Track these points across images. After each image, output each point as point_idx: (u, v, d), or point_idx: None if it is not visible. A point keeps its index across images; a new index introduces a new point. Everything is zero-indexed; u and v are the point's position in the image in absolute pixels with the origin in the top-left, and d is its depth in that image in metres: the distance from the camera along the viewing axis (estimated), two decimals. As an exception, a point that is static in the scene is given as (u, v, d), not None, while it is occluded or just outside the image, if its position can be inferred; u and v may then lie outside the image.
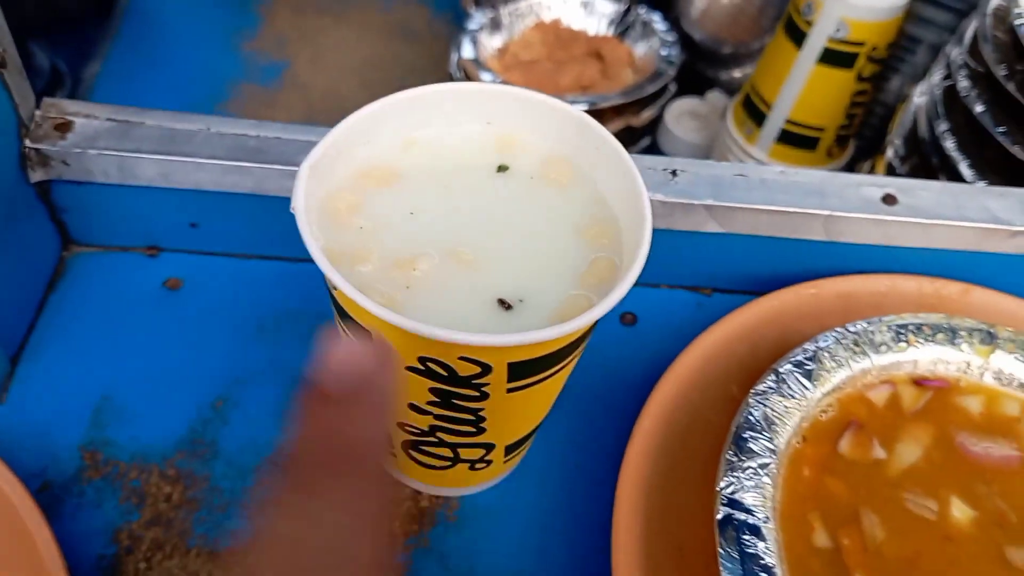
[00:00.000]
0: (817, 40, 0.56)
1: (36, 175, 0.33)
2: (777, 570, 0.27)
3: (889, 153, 0.54)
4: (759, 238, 0.36)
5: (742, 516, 0.28)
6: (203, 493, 0.31)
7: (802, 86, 0.58)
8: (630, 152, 0.27)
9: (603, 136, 0.27)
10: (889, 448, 0.31)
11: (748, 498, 0.28)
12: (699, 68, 0.80)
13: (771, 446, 0.30)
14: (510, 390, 0.25)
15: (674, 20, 0.82)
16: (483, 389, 0.24)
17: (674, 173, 0.35)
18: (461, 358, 0.23)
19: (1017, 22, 0.43)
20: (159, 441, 0.32)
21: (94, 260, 0.37)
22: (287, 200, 0.33)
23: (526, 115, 0.28)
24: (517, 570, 0.31)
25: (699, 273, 0.38)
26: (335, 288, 0.23)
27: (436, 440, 0.28)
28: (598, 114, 0.75)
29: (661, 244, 0.36)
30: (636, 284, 0.38)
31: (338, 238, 0.25)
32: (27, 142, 0.32)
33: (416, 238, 0.25)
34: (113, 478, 0.31)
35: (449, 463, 0.29)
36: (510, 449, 0.30)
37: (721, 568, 0.27)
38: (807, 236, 0.36)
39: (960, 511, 0.30)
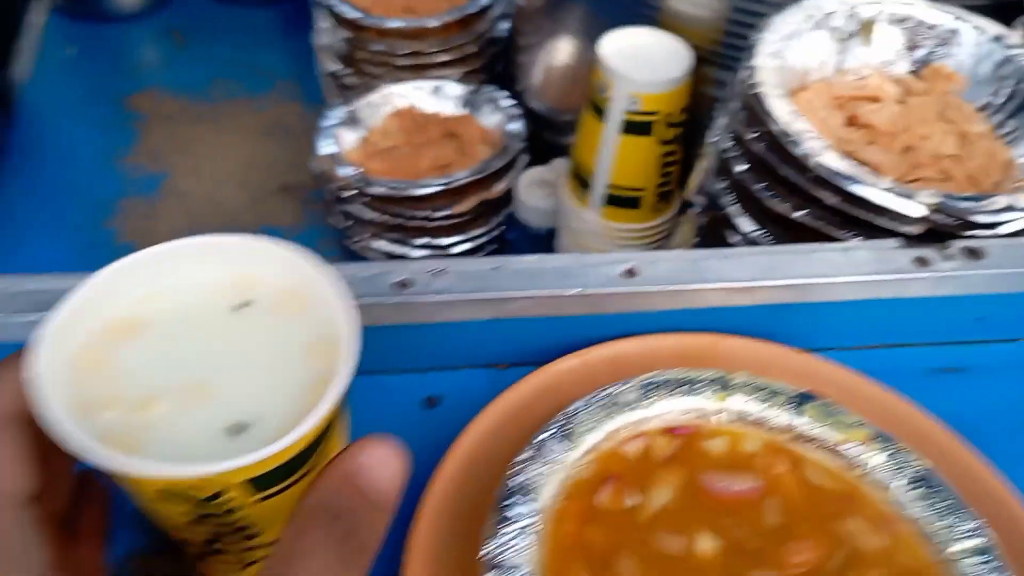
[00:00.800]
0: (615, 114, 0.62)
1: None
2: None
3: (695, 208, 0.60)
4: (531, 319, 0.41)
5: (506, 576, 0.32)
6: None
7: (613, 154, 0.64)
8: (488, 224, 0.31)
9: (322, 272, 0.31)
10: (644, 494, 0.36)
11: (511, 557, 0.32)
12: (545, 136, 0.86)
13: (534, 508, 0.34)
14: (263, 499, 0.28)
15: (519, 94, 0.88)
16: (230, 506, 0.28)
17: (437, 273, 0.40)
18: (191, 487, 0.27)
19: (752, 90, 0.49)
20: None
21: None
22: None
23: (262, 259, 0.32)
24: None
25: (489, 353, 0.43)
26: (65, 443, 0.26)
27: (219, 549, 0.31)
28: (457, 191, 0.80)
29: (447, 333, 0.41)
30: (438, 368, 0.43)
31: (87, 390, 0.28)
32: None
33: (157, 381, 0.29)
34: None
35: (245, 566, 0.33)
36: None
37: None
38: (573, 312, 0.41)
39: (706, 544, 0.34)
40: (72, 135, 0.99)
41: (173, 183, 0.97)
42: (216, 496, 0.27)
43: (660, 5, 0.63)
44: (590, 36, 0.76)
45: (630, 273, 0.40)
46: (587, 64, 0.76)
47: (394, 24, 0.85)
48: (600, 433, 0.37)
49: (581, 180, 0.68)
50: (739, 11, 0.61)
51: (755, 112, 0.49)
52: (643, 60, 0.60)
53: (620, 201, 0.66)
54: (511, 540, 0.33)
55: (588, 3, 0.74)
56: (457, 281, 0.39)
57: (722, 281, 0.40)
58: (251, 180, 0.98)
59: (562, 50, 0.80)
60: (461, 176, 0.79)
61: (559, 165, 0.80)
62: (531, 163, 0.84)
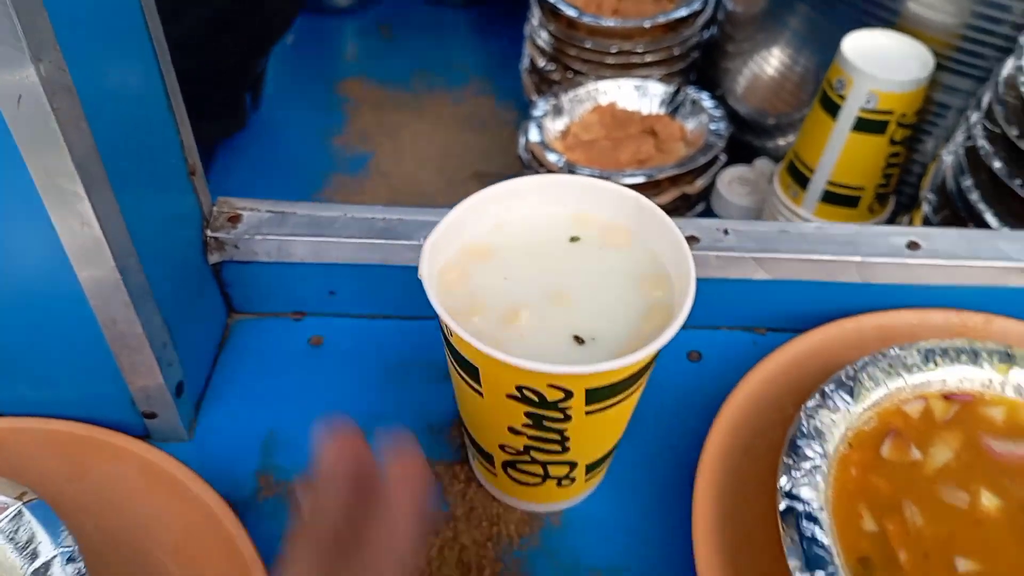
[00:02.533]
0: (850, 111, 0.63)
1: (213, 257, 0.42)
2: (832, 548, 0.33)
3: (924, 207, 0.60)
4: (802, 283, 0.43)
5: (800, 507, 0.34)
6: (354, 506, 0.38)
7: (840, 152, 0.65)
8: (686, 217, 0.34)
9: (653, 211, 0.34)
10: (924, 451, 0.37)
11: (804, 492, 0.34)
12: (746, 138, 0.88)
13: (821, 451, 0.36)
14: (588, 412, 0.32)
15: (720, 97, 0.90)
16: (567, 412, 0.31)
17: (726, 232, 0.42)
18: (550, 385, 0.30)
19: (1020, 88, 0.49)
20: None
21: (252, 325, 0.45)
22: (408, 269, 0.41)
23: (593, 198, 0.35)
24: (613, 562, 0.37)
25: (753, 315, 0.45)
26: (452, 335, 0.30)
27: (529, 459, 0.34)
28: (655, 184, 0.83)
29: (718, 291, 0.43)
30: (700, 327, 0.45)
31: (452, 300, 0.32)
32: (208, 231, 0.41)
33: (514, 295, 0.33)
34: (283, 495, 0.39)
35: (540, 480, 0.36)
36: (590, 468, 0.36)
37: (786, 550, 0.33)
38: (844, 279, 0.42)
39: (988, 500, 0.35)
40: (291, 115, 1.07)
41: (377, 163, 1.03)
42: (560, 401, 0.31)
43: (898, 9, 0.64)
44: (809, 42, 0.78)
45: (913, 246, 0.42)
46: (802, 70, 0.78)
47: (608, 23, 0.89)
48: (883, 391, 0.38)
49: (799, 176, 0.70)
50: (981, 17, 0.61)
51: (1019, 110, 0.49)
52: (884, 60, 0.62)
53: (838, 199, 0.67)
54: (804, 476, 0.35)
55: (811, 9, 0.75)
56: (743, 240, 0.42)
57: (999, 260, 0.41)
58: (447, 166, 1.04)
59: (775, 55, 0.82)
60: (665, 169, 0.82)
61: (762, 165, 0.82)
62: (729, 163, 0.86)
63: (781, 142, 0.84)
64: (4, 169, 0.29)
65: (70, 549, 0.32)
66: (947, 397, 0.39)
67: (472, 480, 0.40)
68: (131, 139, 0.34)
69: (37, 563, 0.32)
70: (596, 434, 0.34)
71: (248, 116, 0.94)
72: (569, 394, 0.30)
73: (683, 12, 0.90)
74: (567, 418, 0.32)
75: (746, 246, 0.42)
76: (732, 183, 0.82)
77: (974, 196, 0.53)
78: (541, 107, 0.90)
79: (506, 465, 0.36)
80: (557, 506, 0.39)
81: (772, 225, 0.42)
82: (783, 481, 0.35)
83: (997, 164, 0.51)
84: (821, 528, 0.33)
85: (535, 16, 0.96)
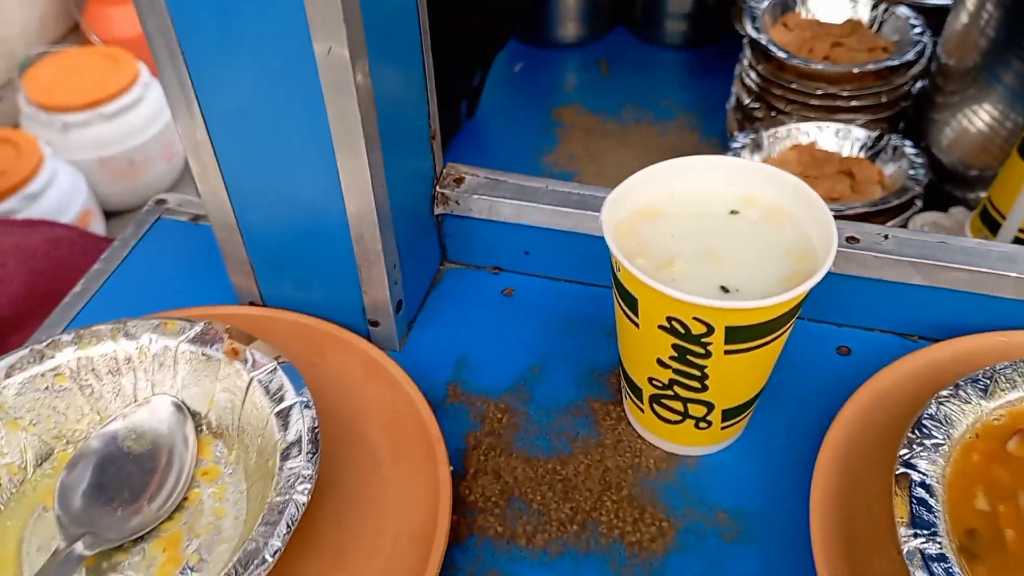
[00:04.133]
0: (1049, 161, 0.64)
1: (438, 209, 0.52)
2: (940, 515, 0.36)
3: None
4: (958, 293, 0.45)
5: (915, 475, 0.37)
6: (522, 422, 0.46)
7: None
8: None
9: (811, 196, 0.39)
10: (1053, 453, 0.39)
11: (922, 464, 0.38)
12: (946, 188, 0.88)
13: (946, 434, 0.39)
14: (727, 352, 0.37)
15: (925, 147, 0.91)
16: (708, 347, 0.37)
17: (886, 236, 0.46)
18: (695, 318, 0.36)
19: None
20: (496, 386, 0.48)
21: (459, 273, 0.54)
22: (593, 238, 0.49)
23: (756, 179, 0.41)
24: (735, 505, 0.42)
25: (906, 320, 0.48)
26: (619, 269, 0.37)
27: (672, 394, 0.40)
28: (846, 221, 0.85)
29: (874, 291, 0.47)
30: (853, 326, 0.49)
31: (622, 245, 0.38)
32: (437, 188, 0.51)
33: (673, 248, 0.39)
34: (465, 404, 0.47)
35: (680, 418, 0.42)
36: (727, 416, 0.41)
37: (894, 510, 0.37)
38: (1000, 294, 0.45)
39: (1112, 505, 0.37)
40: (509, 131, 1.19)
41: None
42: (703, 335, 0.36)
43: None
44: (1018, 97, 0.78)
45: (1072, 268, 0.44)
46: (1012, 125, 0.78)
47: (816, 66, 0.93)
48: (1019, 393, 0.41)
49: (990, 222, 0.70)
50: None
51: None
52: (1090, 111, 0.62)
53: (1029, 248, 0.67)
54: (925, 451, 0.38)
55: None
56: (902, 246, 0.46)
57: None
58: (645, 191, 1.10)
59: (985, 109, 0.83)
60: (855, 207, 0.84)
61: (957, 213, 0.82)
62: (925, 209, 0.87)
63: (982, 194, 0.83)
64: (315, 128, 0.40)
65: (307, 399, 0.41)
66: (1087, 411, 0.40)
67: (623, 419, 0.46)
68: (398, 111, 0.44)
69: (282, 405, 0.41)
70: (733, 377, 0.39)
71: (462, 122, 1.06)
72: (711, 329, 0.36)
73: (895, 62, 0.92)
74: (708, 354, 0.37)
75: (905, 251, 0.45)
76: (925, 228, 0.83)
77: None
78: (740, 140, 0.95)
79: (652, 400, 0.42)
80: (694, 450, 0.44)
81: (933, 235, 0.46)
82: (903, 452, 0.38)
83: None
84: (932, 496, 0.37)
85: (746, 57, 1.01)
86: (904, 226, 0.85)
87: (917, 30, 0.95)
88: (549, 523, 0.42)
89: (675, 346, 0.38)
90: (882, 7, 0.98)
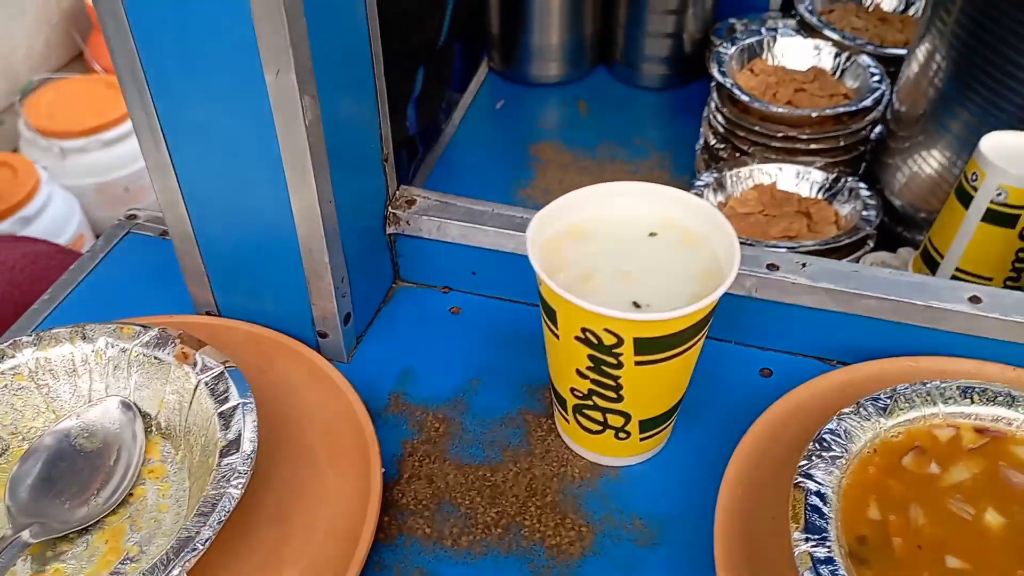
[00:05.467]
0: (981, 202, 0.66)
1: (390, 229, 0.54)
2: (832, 521, 0.38)
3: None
4: (871, 319, 0.48)
5: (811, 485, 0.40)
6: (458, 431, 0.48)
7: (969, 240, 0.68)
8: None
9: (721, 220, 0.42)
10: (944, 468, 0.41)
11: (819, 474, 0.40)
12: (897, 229, 0.91)
13: (845, 447, 0.41)
14: (638, 363, 0.40)
15: (879, 190, 0.95)
16: (619, 358, 0.39)
17: (804, 265, 0.49)
18: (605, 329, 0.38)
19: None
20: (436, 397, 0.50)
21: (411, 291, 0.57)
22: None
23: (674, 204, 0.44)
24: (652, 512, 0.44)
25: (824, 344, 0.51)
26: (541, 283, 0.40)
27: (592, 404, 0.43)
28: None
29: (793, 315, 0.50)
30: (775, 349, 0.52)
31: (546, 262, 0.41)
32: (389, 208, 0.54)
33: (593, 265, 0.42)
34: (406, 413, 0.50)
35: (600, 428, 0.44)
36: (644, 427, 0.44)
37: (789, 517, 0.39)
38: (911, 322, 0.48)
39: (993, 517, 0.39)
40: (486, 164, 1.22)
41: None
42: (614, 347, 0.39)
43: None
44: (967, 146, 0.81)
45: (975, 299, 0.46)
46: (959, 171, 0.81)
47: (778, 110, 0.97)
48: (916, 413, 0.43)
49: (930, 261, 0.73)
50: None
51: None
52: (1018, 158, 0.65)
53: (965, 287, 0.70)
54: (823, 463, 0.41)
55: (972, 112, 0.79)
56: (819, 273, 0.49)
57: (1060, 325, 0.45)
58: (616, 225, 1.13)
59: (934, 156, 0.86)
60: (808, 244, 0.87)
61: (904, 253, 0.85)
62: (876, 248, 0.90)
63: (926, 235, 0.86)
64: (266, 149, 0.43)
65: (250, 401, 0.44)
66: (979, 431, 0.43)
67: (553, 431, 0.48)
68: (348, 134, 0.47)
69: (226, 406, 0.44)
70: (646, 388, 0.42)
71: (412, 131, 1.04)
72: (620, 340, 0.39)
73: (852, 108, 0.96)
74: (620, 364, 0.40)
75: (820, 279, 0.48)
76: (874, 265, 0.86)
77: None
78: (704, 179, 0.99)
79: (575, 410, 0.44)
80: (617, 461, 0.46)
81: (846, 265, 0.49)
82: (803, 463, 0.41)
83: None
84: (826, 504, 0.39)
85: (714, 100, 1.05)
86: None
87: (876, 78, 0.99)
88: (475, 526, 0.44)
89: (590, 356, 0.40)
90: (844, 55, 1.03)
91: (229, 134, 0.44)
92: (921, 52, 0.88)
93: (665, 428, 0.45)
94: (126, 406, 0.47)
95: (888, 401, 0.43)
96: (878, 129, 1.00)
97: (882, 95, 0.99)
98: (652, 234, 0.44)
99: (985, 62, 0.79)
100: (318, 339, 0.52)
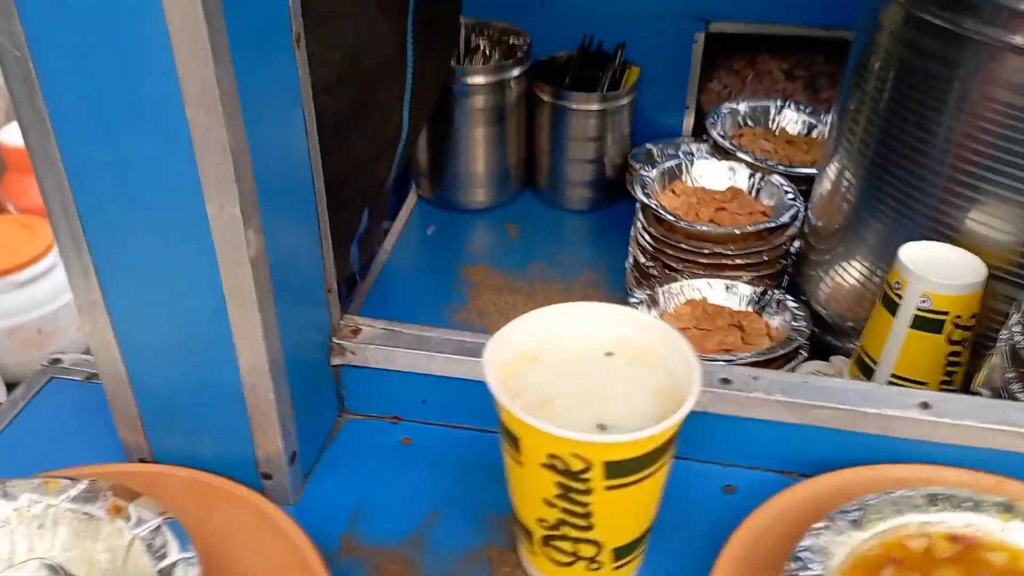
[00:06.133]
0: (907, 309, 0.69)
1: (335, 360, 0.53)
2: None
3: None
4: (827, 430, 0.48)
5: (795, 608, 0.38)
6: (418, 573, 0.46)
7: (900, 347, 0.71)
8: None
9: (676, 338, 0.42)
10: (922, 579, 0.41)
11: (801, 597, 0.39)
12: (827, 339, 0.94)
13: (824, 564, 0.40)
14: (608, 487, 0.38)
15: (805, 300, 0.98)
16: (588, 484, 0.38)
17: (755, 378, 0.49)
18: (573, 454, 0.37)
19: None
20: (392, 536, 0.47)
21: (358, 423, 0.55)
22: (487, 385, 0.50)
23: (627, 324, 0.44)
24: (630, 649, 0.42)
25: (785, 459, 0.50)
26: (501, 409, 0.39)
27: (561, 534, 0.41)
28: (738, 372, 0.89)
29: (751, 430, 0.50)
30: (736, 465, 0.51)
31: (506, 388, 0.40)
32: (334, 339, 0.52)
33: (553, 389, 0.41)
34: (361, 557, 0.46)
35: (572, 559, 0.42)
36: (618, 554, 0.42)
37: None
38: (865, 430, 0.48)
39: (982, 631, 0.38)
40: (418, 289, 1.22)
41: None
42: (583, 472, 0.38)
43: (959, 227, 0.72)
44: (884, 256, 0.85)
45: (924, 405, 0.47)
46: (879, 280, 0.85)
47: (702, 228, 1.00)
48: (888, 524, 0.43)
49: (865, 368, 0.75)
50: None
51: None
52: (938, 265, 0.69)
53: (901, 391, 0.71)
54: (803, 584, 0.39)
55: (885, 223, 0.84)
56: (771, 386, 0.49)
57: (1010, 425, 0.46)
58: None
59: (854, 265, 0.90)
60: (745, 356, 0.88)
61: (837, 361, 0.87)
62: (810, 358, 0.92)
63: (858, 343, 0.89)
64: (208, 282, 0.41)
65: (191, 555, 0.40)
66: (951, 538, 0.43)
67: (518, 567, 0.46)
68: (292, 267, 0.46)
69: (165, 563, 0.40)
70: (618, 513, 0.40)
71: (354, 268, 1.04)
72: (588, 465, 0.37)
73: (771, 224, 1.00)
74: (589, 490, 0.39)
75: (773, 391, 0.48)
76: (808, 374, 0.87)
77: (1015, 387, 0.58)
78: (638, 296, 1.00)
79: (543, 542, 0.42)
80: (588, 595, 0.44)
81: (799, 377, 0.49)
82: (783, 585, 0.39)
83: (1032, 357, 0.56)
84: (814, 628, 0.38)
85: (640, 220, 1.09)
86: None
87: (790, 195, 1.04)
88: None
89: (558, 484, 0.39)
90: (757, 175, 1.08)
91: (168, 269, 0.42)
92: (831, 170, 0.94)
93: (638, 554, 0.44)
94: (52, 570, 0.42)
95: (858, 514, 0.43)
96: (797, 243, 1.04)
97: (797, 211, 1.04)
98: (608, 354, 0.44)
99: (892, 176, 0.84)
100: (263, 481, 0.49)
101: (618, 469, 0.38)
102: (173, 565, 0.40)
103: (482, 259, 1.32)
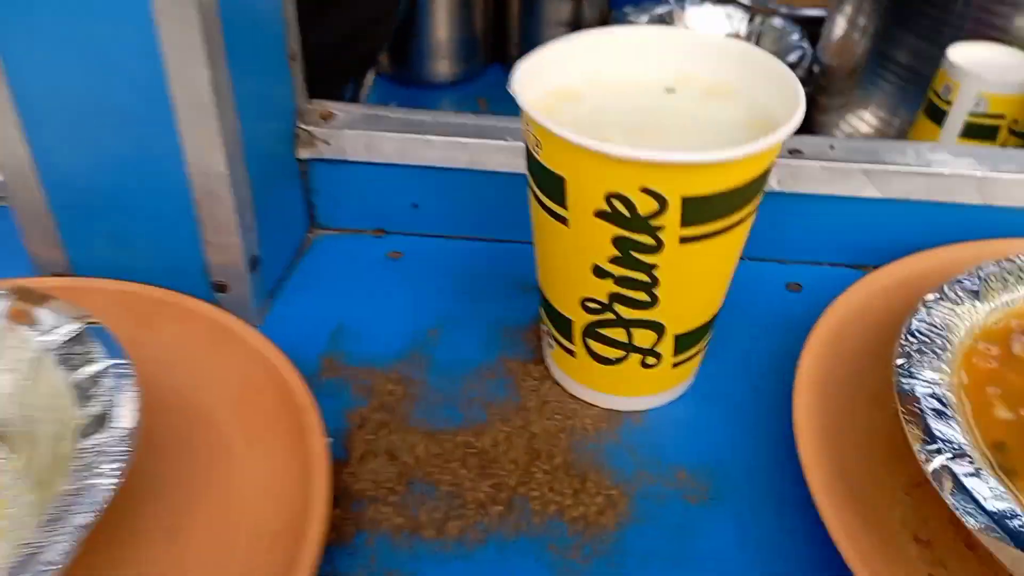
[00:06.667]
0: (958, 116, 0.60)
1: (303, 153, 0.42)
2: (962, 426, 0.28)
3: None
4: (915, 204, 0.39)
5: (922, 387, 0.30)
6: (421, 391, 0.36)
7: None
8: None
9: (760, 57, 0.32)
10: (1063, 353, 0.32)
11: (927, 372, 0.30)
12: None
13: (946, 339, 0.32)
14: (683, 239, 0.29)
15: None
16: (659, 235, 0.28)
17: (832, 147, 0.40)
18: (643, 189, 0.27)
19: None
20: (383, 354, 0.38)
21: (332, 240, 0.45)
22: (497, 176, 0.40)
23: (697, 53, 0.34)
24: (701, 460, 0.33)
25: (860, 248, 0.42)
26: (540, 145, 0.29)
27: (614, 317, 0.31)
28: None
29: (822, 213, 0.40)
30: (800, 261, 0.42)
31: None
32: (300, 124, 0.42)
33: (604, 126, 0.31)
34: (346, 377, 0.37)
35: (623, 353, 0.33)
36: (680, 345, 0.33)
37: (907, 430, 0.29)
38: (963, 200, 0.39)
39: None
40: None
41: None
42: (653, 216, 0.28)
43: (1006, 27, 0.63)
44: (903, 95, 0.77)
45: (1037, 161, 0.38)
46: (899, 118, 0.76)
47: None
48: (1012, 295, 0.34)
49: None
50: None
51: None
52: (992, 65, 0.60)
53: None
54: (925, 359, 0.31)
55: (912, 54, 0.74)
56: (849, 153, 0.39)
57: None
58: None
59: (873, 106, 0.81)
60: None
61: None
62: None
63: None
64: (138, 29, 0.31)
65: (123, 363, 0.30)
66: (1086, 308, 0.34)
67: (547, 379, 0.37)
68: (244, 18, 0.35)
69: (85, 373, 0.30)
70: (689, 281, 0.31)
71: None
72: (663, 204, 0.28)
73: (778, 65, 0.90)
74: (659, 245, 0.29)
75: (854, 157, 0.39)
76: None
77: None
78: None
79: (587, 334, 0.33)
80: (639, 402, 0.35)
81: (882, 142, 0.40)
82: (900, 361, 0.31)
83: None
84: (947, 406, 0.29)
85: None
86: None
87: (795, 36, 0.94)
88: (464, 506, 0.31)
89: (617, 241, 0.29)
90: (758, 19, 0.98)
91: (87, 19, 0.31)
92: (847, 6, 0.84)
93: (699, 350, 0.35)
94: (-68, 395, 0.32)
95: (978, 283, 0.34)
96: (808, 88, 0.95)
97: (804, 53, 0.94)
98: (669, 90, 0.34)
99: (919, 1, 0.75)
100: (216, 296, 0.38)
101: (700, 211, 0.28)
102: (99, 375, 0.30)
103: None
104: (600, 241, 0.29)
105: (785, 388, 0.34)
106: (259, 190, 0.37)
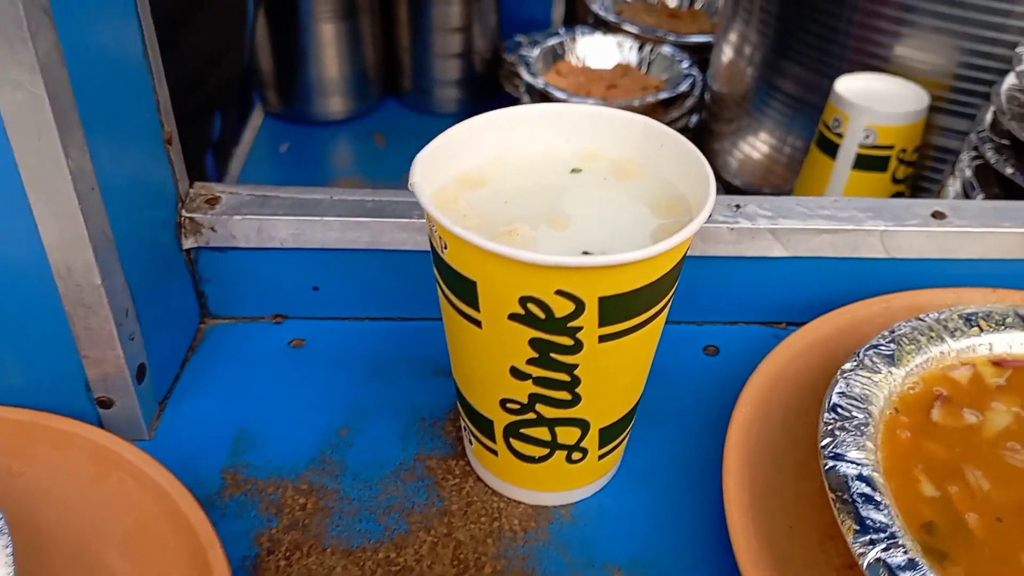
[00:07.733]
0: (849, 149, 0.62)
1: (187, 242, 0.39)
2: (890, 511, 0.28)
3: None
4: (823, 260, 0.40)
5: (849, 468, 0.29)
6: (334, 503, 0.33)
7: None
8: None
9: (666, 132, 0.32)
10: (981, 414, 0.33)
11: (851, 452, 0.30)
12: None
13: (866, 411, 0.31)
14: (602, 338, 0.28)
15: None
16: (578, 335, 0.27)
17: (737, 206, 0.40)
18: (558, 292, 0.26)
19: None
20: (292, 462, 0.35)
21: (228, 329, 0.42)
22: (399, 255, 0.38)
23: (596, 130, 0.33)
24: (636, 556, 0.32)
25: (772, 307, 0.41)
26: (446, 247, 0.27)
27: (535, 417, 0.30)
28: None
29: (733, 274, 0.40)
30: (716, 322, 0.42)
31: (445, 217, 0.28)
32: (183, 212, 0.38)
33: (511, 215, 0.30)
34: (252, 493, 0.34)
35: (547, 451, 0.31)
36: (605, 437, 0.31)
37: (838, 517, 0.28)
38: (868, 255, 0.39)
39: (1063, 462, 0.31)
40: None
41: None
42: (570, 318, 0.27)
43: (888, 56, 0.65)
44: (795, 115, 0.79)
45: (938, 215, 0.39)
46: (792, 137, 0.78)
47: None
48: (925, 355, 0.34)
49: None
50: (974, 54, 0.62)
51: (1024, 114, 0.48)
52: (878, 97, 0.62)
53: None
54: (848, 436, 0.30)
55: (800, 71, 0.76)
56: (755, 213, 0.39)
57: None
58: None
59: (764, 128, 0.83)
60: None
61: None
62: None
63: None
64: None
65: (-5, 519, 0.27)
66: (996, 363, 0.35)
67: (469, 475, 0.35)
68: (108, 83, 0.32)
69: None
70: (610, 377, 0.30)
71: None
72: (580, 306, 0.26)
73: (671, 94, 0.92)
74: (578, 345, 0.28)
75: (761, 216, 0.39)
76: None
77: (987, 209, 0.51)
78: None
79: (509, 433, 0.31)
80: (565, 496, 0.34)
81: (788, 199, 0.40)
82: (824, 440, 0.30)
83: (1009, 170, 0.49)
84: (875, 490, 0.29)
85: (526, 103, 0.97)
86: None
87: (685, 64, 0.95)
88: (391, 634, 0.29)
89: (534, 342, 0.28)
90: (648, 48, 0.99)
91: None
92: (734, 29, 0.85)
93: (624, 437, 0.33)
94: None
95: (892, 347, 0.34)
96: (695, 118, 0.96)
97: (695, 80, 0.96)
98: (575, 170, 0.32)
99: (803, 31, 0.77)
100: (100, 412, 0.35)
101: (617, 309, 0.27)
102: (-36, 538, 0.26)
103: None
104: (517, 343, 0.28)
105: (711, 462, 0.33)
106: (140, 290, 0.34)
